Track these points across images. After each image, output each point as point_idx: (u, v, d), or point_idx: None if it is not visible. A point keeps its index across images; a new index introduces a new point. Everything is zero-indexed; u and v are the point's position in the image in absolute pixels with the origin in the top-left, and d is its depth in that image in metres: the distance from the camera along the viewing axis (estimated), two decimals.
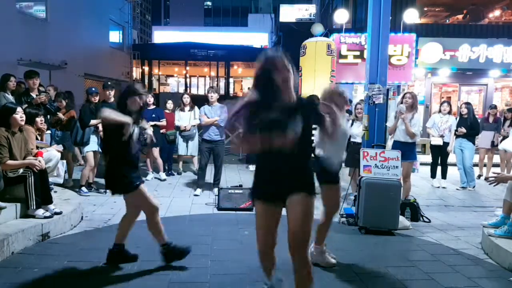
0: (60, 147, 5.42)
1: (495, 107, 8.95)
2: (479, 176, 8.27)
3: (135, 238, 3.94)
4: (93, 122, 6.06)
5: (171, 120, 7.79)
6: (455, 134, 7.49)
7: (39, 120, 5.29)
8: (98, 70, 16.71)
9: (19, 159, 4.27)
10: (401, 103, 5.74)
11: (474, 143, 7.56)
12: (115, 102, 3.35)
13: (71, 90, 8.22)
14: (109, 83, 6.43)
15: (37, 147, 4.83)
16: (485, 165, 8.57)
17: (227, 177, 7.99)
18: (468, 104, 7.81)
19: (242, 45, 29.87)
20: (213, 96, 6.32)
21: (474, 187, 7.53)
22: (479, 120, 8.17)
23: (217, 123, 6.25)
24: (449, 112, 7.51)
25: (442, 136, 7.41)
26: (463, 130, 7.39)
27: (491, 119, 8.59)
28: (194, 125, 7.72)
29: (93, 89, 6.33)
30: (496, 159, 8.69)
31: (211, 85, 7.19)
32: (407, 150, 5.44)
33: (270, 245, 2.59)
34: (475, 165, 8.27)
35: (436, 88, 13.02)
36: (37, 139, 5.16)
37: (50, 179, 4.78)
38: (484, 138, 8.39)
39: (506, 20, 14.49)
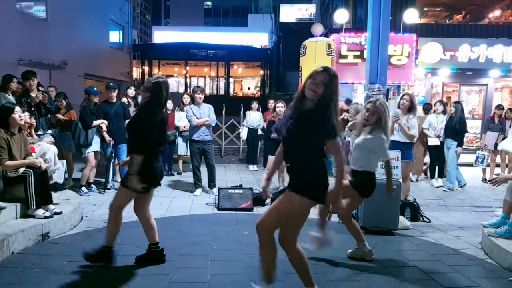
0: (51, 138, 5.35)
1: (502, 107, 8.68)
2: (484, 180, 8.13)
3: (135, 238, 3.94)
4: (96, 122, 6.06)
5: (171, 120, 7.77)
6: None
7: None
8: (98, 70, 16.72)
9: (19, 159, 4.26)
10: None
11: (460, 143, 7.28)
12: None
13: (70, 90, 8.20)
14: (111, 84, 6.42)
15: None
16: (488, 166, 8.30)
17: (227, 177, 7.99)
18: (456, 103, 7.56)
19: (242, 45, 29.87)
20: (201, 97, 6.34)
21: (451, 189, 7.26)
22: (483, 121, 7.96)
23: (208, 123, 6.28)
24: (444, 112, 7.46)
25: (438, 137, 7.39)
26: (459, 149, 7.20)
27: (496, 120, 8.37)
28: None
29: (95, 89, 6.32)
30: (497, 160, 8.57)
31: (197, 85, 7.21)
32: (404, 150, 5.41)
33: None
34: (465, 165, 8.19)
35: (436, 88, 13.02)
36: None
37: (50, 181, 4.76)
38: (489, 139, 8.17)
39: (506, 20, 14.48)
